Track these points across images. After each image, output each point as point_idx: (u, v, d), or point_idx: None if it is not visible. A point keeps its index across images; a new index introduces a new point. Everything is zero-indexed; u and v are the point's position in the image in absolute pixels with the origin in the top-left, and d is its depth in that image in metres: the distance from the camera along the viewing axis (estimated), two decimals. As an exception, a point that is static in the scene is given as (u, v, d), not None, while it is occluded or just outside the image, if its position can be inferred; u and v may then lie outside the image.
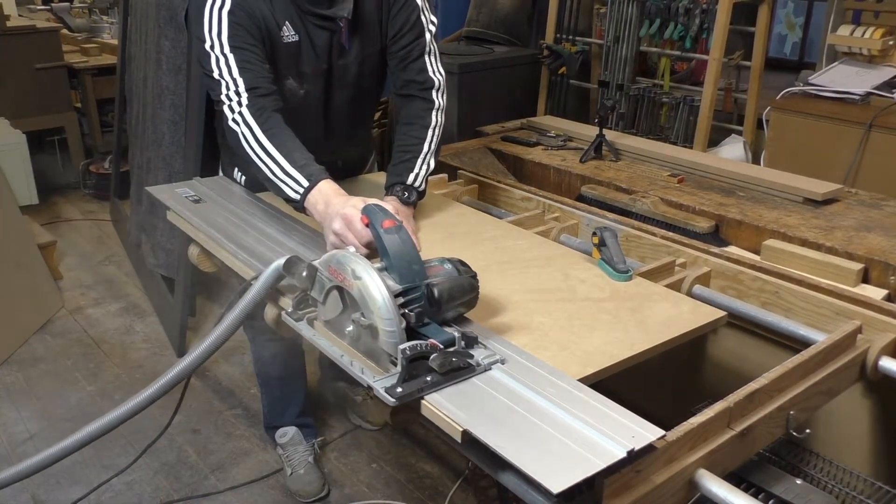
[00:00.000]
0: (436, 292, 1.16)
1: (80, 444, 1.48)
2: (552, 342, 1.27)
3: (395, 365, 1.11)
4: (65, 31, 5.11)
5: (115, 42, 4.61)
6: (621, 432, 0.99)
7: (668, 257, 1.68)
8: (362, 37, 1.77)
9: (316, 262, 1.26)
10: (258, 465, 2.43)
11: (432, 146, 1.78)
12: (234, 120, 1.59)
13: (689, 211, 2.17)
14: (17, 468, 1.54)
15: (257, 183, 1.89)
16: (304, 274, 1.27)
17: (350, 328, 1.20)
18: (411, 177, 1.73)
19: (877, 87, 2.94)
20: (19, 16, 5.39)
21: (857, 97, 2.93)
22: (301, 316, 1.33)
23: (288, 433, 2.36)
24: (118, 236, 4.10)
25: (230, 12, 1.60)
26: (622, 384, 1.30)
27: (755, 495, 1.28)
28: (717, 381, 1.77)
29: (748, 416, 1.20)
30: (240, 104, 1.58)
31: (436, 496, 2.28)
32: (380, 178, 2.02)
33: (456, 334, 1.16)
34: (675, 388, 1.87)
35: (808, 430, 1.32)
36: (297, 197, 1.55)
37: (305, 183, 1.54)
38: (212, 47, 1.60)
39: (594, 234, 1.56)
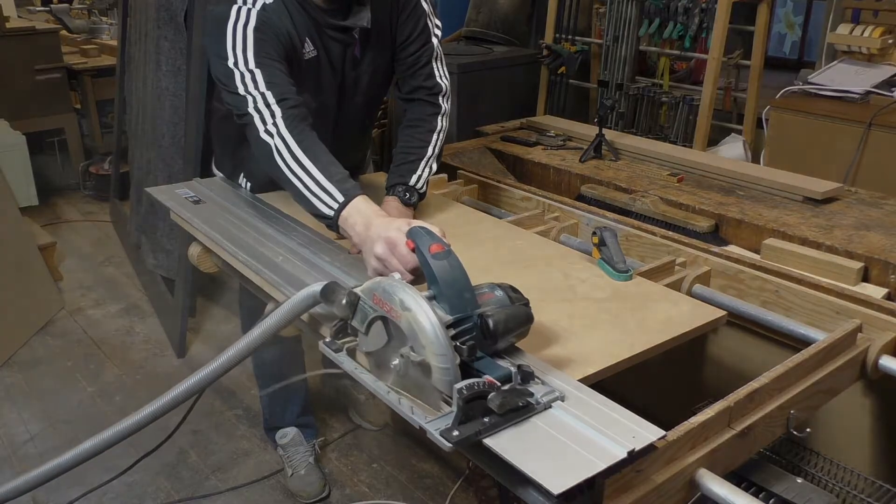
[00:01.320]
0: (490, 324, 1.08)
1: (87, 457, 1.47)
2: (552, 342, 1.27)
3: (448, 404, 1.03)
4: (64, 32, 5.12)
5: (114, 43, 4.62)
6: (622, 432, 0.99)
7: (668, 257, 1.68)
8: (374, 47, 1.76)
9: (358, 290, 1.16)
10: (259, 466, 2.43)
11: (436, 150, 1.79)
12: (266, 132, 1.54)
13: (688, 210, 2.17)
14: (24, 478, 1.54)
15: (263, 189, 1.89)
16: (344, 302, 1.17)
17: (396, 361, 1.10)
18: (414, 178, 1.74)
19: (876, 86, 2.94)
20: (19, 17, 5.39)
21: (856, 96, 2.93)
22: (340, 346, 1.22)
23: (288, 434, 2.36)
24: (118, 237, 4.10)
25: (256, 29, 1.56)
26: (622, 384, 1.30)
27: (756, 494, 1.28)
28: (718, 381, 1.77)
29: (748, 416, 1.20)
30: (273, 116, 1.53)
31: (436, 496, 2.28)
32: (378, 178, 2.02)
33: (512, 369, 1.06)
34: (675, 388, 1.87)
35: (808, 430, 1.32)
36: (331, 213, 1.47)
37: (340, 198, 1.47)
38: (235, 64, 1.56)
39: (594, 233, 1.55)
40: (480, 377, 1.04)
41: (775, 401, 1.24)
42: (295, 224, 1.72)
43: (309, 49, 1.67)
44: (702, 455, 1.11)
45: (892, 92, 2.91)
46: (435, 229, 1.23)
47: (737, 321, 1.60)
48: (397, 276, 1.17)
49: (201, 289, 3.35)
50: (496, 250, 1.65)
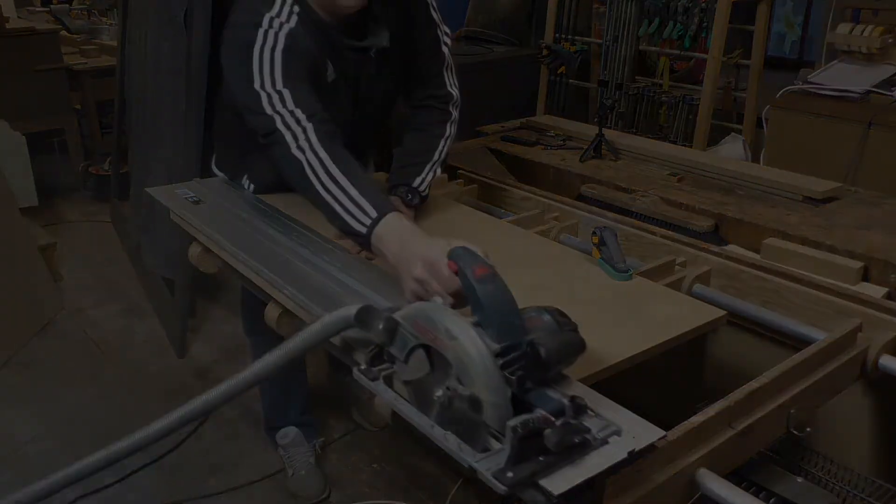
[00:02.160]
0: (542, 353, 1.00)
1: (97, 468, 1.47)
2: (552, 342, 1.27)
3: (498, 440, 0.96)
4: (64, 32, 5.11)
5: (114, 44, 4.61)
6: (622, 432, 0.99)
7: (668, 256, 1.68)
8: (389, 62, 1.77)
9: (397, 315, 1.09)
10: (259, 466, 2.42)
11: (442, 155, 1.80)
12: (298, 148, 1.51)
13: (688, 210, 2.16)
14: (32, 488, 1.53)
15: (266, 190, 1.89)
16: (382, 327, 1.10)
17: (440, 393, 1.03)
18: (418, 180, 1.75)
19: (876, 86, 2.95)
20: (18, 17, 5.39)
21: (856, 95, 2.93)
22: (377, 374, 1.13)
23: (289, 434, 2.36)
24: (118, 237, 4.10)
25: (284, 51, 1.56)
26: (622, 384, 1.30)
27: (756, 494, 1.28)
28: (718, 381, 1.77)
29: (749, 415, 1.20)
30: (305, 132, 1.51)
31: (437, 496, 2.28)
32: (378, 178, 2.02)
33: (564, 401, 0.99)
34: (676, 388, 1.87)
35: (808, 429, 1.32)
36: (363, 230, 1.44)
37: (374, 213, 1.44)
38: (262, 86, 1.54)
39: (594, 233, 1.55)
40: (532, 411, 0.97)
41: (775, 401, 1.24)
42: (295, 224, 1.72)
43: (331, 71, 1.67)
44: (702, 455, 1.11)
45: (892, 91, 2.91)
46: (477, 249, 1.15)
47: (737, 321, 1.60)
48: (439, 300, 1.12)
49: (201, 289, 3.35)
50: (496, 251, 1.64)
